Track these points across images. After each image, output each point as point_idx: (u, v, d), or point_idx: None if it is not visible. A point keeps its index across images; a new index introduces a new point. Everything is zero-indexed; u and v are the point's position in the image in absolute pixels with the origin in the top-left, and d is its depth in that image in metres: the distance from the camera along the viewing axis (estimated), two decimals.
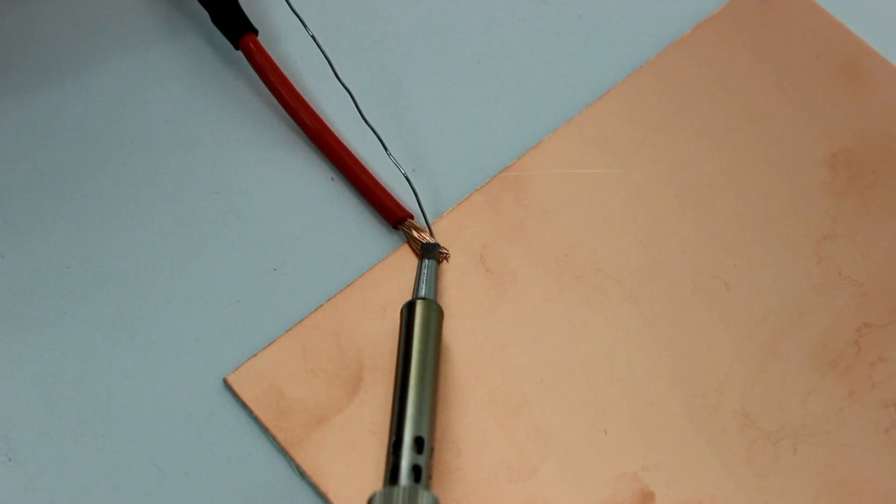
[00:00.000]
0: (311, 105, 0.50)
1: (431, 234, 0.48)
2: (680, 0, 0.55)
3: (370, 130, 0.50)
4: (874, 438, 0.45)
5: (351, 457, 0.44)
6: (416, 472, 0.41)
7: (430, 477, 0.42)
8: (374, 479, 0.44)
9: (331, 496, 0.44)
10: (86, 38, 0.53)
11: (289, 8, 0.51)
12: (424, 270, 0.47)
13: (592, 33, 0.54)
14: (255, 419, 0.45)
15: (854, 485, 0.45)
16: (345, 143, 0.50)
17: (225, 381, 0.46)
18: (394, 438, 0.42)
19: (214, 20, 0.52)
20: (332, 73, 0.50)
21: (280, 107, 0.51)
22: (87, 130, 0.51)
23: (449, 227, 0.49)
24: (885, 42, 0.53)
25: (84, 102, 0.51)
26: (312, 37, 0.50)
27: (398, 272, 0.48)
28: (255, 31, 0.51)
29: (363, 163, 0.50)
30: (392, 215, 0.49)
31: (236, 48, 0.51)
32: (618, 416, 0.46)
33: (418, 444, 0.42)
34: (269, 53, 0.51)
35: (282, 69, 0.51)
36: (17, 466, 0.44)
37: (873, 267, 0.49)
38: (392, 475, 0.41)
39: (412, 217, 0.49)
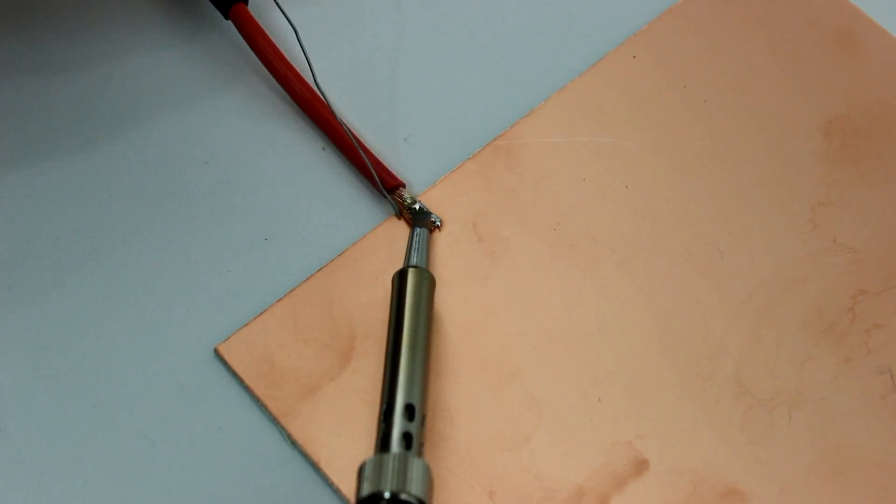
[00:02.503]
0: (302, 74, 0.50)
1: (407, 205, 0.48)
2: None
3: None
4: (869, 405, 0.45)
5: (343, 426, 0.44)
6: (407, 439, 0.41)
7: (422, 444, 0.42)
8: (366, 447, 0.43)
9: (322, 465, 0.43)
10: (72, 7, 0.52)
11: None
12: (416, 239, 0.47)
13: (585, 1, 0.54)
14: (247, 389, 0.45)
15: (849, 451, 0.44)
16: (336, 112, 0.50)
17: (216, 351, 0.45)
18: (384, 406, 0.42)
19: None
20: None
21: (271, 77, 0.51)
22: (75, 101, 0.50)
23: (441, 195, 0.49)
24: (878, 9, 0.53)
25: (71, 73, 0.51)
26: (295, 34, 0.50)
27: (390, 241, 0.48)
28: (245, 1, 0.51)
29: (354, 132, 0.49)
30: (383, 184, 0.48)
31: (226, 18, 0.51)
32: (611, 384, 0.45)
33: (409, 411, 0.42)
34: (259, 23, 0.51)
35: (272, 38, 0.50)
36: (6, 437, 0.44)
37: (868, 234, 0.48)
38: (383, 443, 0.41)
39: (404, 186, 0.49)
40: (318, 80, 0.49)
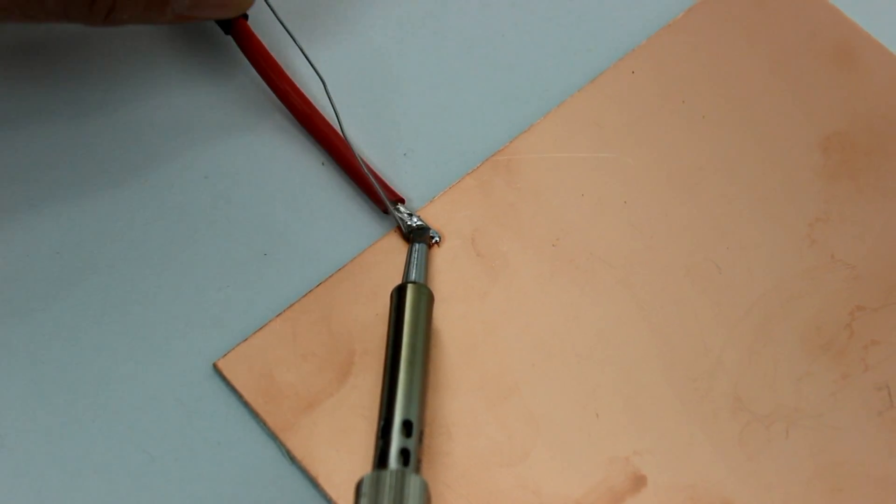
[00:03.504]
0: (302, 89, 0.50)
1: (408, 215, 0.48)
2: None
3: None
4: (867, 421, 0.45)
5: (341, 441, 0.44)
6: (405, 455, 0.41)
7: (419, 461, 0.42)
8: (364, 463, 0.43)
9: (321, 481, 0.43)
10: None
11: None
12: (415, 254, 0.47)
13: (584, 17, 0.54)
14: (246, 404, 0.45)
15: (847, 468, 0.44)
16: (335, 127, 0.50)
17: (215, 367, 0.46)
18: (382, 422, 0.42)
19: None
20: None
21: (270, 91, 0.51)
22: (76, 114, 0.50)
23: (440, 211, 0.49)
24: (877, 25, 0.53)
25: (71, 86, 0.51)
26: (324, 86, 0.50)
27: (389, 256, 0.48)
28: (246, 16, 0.51)
29: (354, 147, 0.49)
30: (383, 200, 0.48)
31: (227, 33, 0.51)
32: (609, 399, 0.45)
33: (407, 427, 0.42)
34: (260, 38, 0.51)
35: (272, 54, 0.51)
36: (6, 452, 0.44)
37: (866, 250, 0.48)
38: (380, 459, 0.41)
39: (404, 201, 0.49)
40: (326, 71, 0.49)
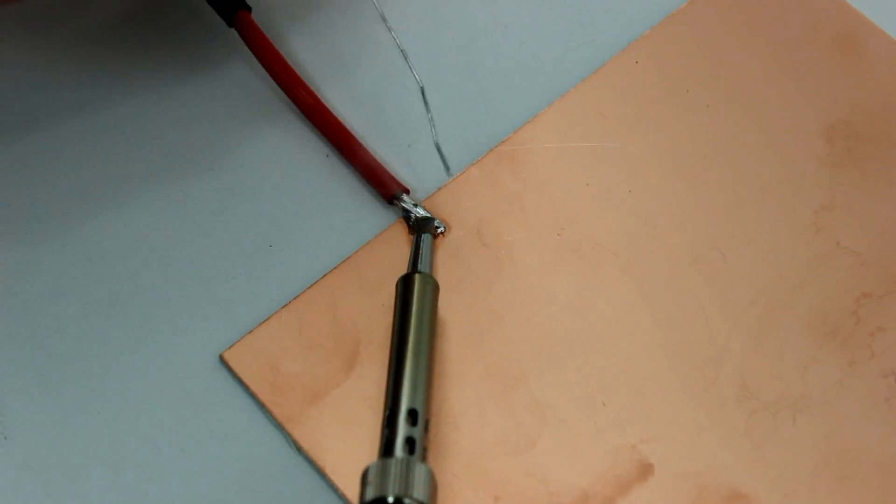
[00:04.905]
0: (306, 81, 0.50)
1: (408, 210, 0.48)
2: None
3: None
4: (874, 408, 0.45)
5: (348, 431, 0.44)
6: (411, 444, 0.41)
7: (425, 449, 0.42)
8: (370, 453, 0.43)
9: (328, 471, 0.43)
10: (69, 14, 0.53)
11: None
12: (420, 245, 0.47)
13: (588, 7, 0.54)
14: (252, 395, 0.45)
15: (854, 455, 0.44)
16: (340, 118, 0.50)
17: (221, 358, 0.46)
18: (388, 412, 0.42)
19: None
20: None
21: (275, 83, 0.51)
22: (80, 111, 0.50)
23: (445, 201, 0.49)
24: (880, 12, 0.53)
25: (75, 83, 0.51)
26: None
27: (394, 247, 0.48)
28: (249, 9, 0.51)
29: (358, 138, 0.49)
30: (388, 190, 0.48)
31: (230, 26, 0.51)
32: (616, 388, 0.45)
33: (412, 416, 0.42)
34: (263, 31, 0.51)
35: (276, 46, 0.51)
36: (12, 445, 0.44)
37: (871, 237, 0.48)
38: (386, 448, 0.41)
39: (408, 192, 0.49)
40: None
